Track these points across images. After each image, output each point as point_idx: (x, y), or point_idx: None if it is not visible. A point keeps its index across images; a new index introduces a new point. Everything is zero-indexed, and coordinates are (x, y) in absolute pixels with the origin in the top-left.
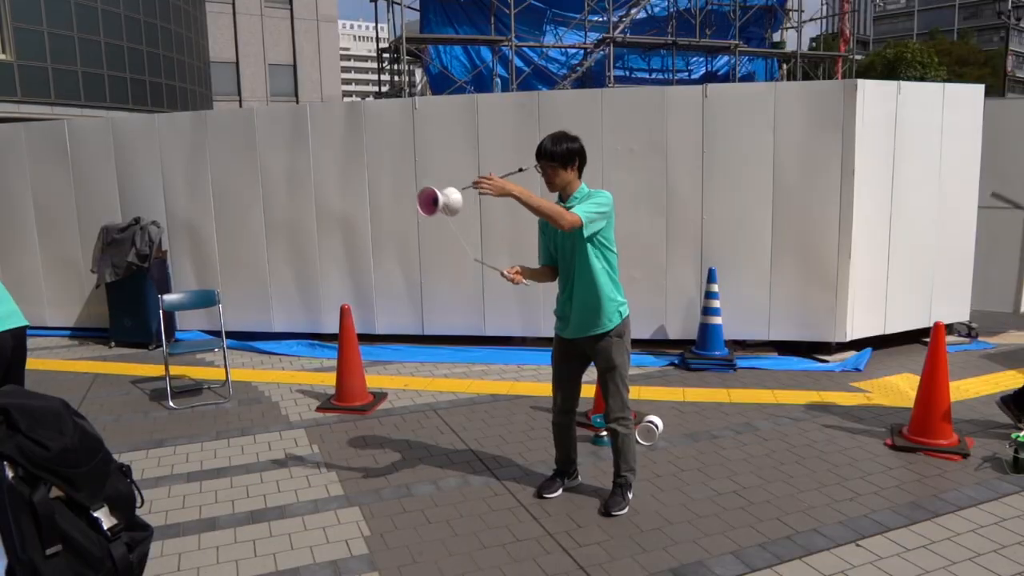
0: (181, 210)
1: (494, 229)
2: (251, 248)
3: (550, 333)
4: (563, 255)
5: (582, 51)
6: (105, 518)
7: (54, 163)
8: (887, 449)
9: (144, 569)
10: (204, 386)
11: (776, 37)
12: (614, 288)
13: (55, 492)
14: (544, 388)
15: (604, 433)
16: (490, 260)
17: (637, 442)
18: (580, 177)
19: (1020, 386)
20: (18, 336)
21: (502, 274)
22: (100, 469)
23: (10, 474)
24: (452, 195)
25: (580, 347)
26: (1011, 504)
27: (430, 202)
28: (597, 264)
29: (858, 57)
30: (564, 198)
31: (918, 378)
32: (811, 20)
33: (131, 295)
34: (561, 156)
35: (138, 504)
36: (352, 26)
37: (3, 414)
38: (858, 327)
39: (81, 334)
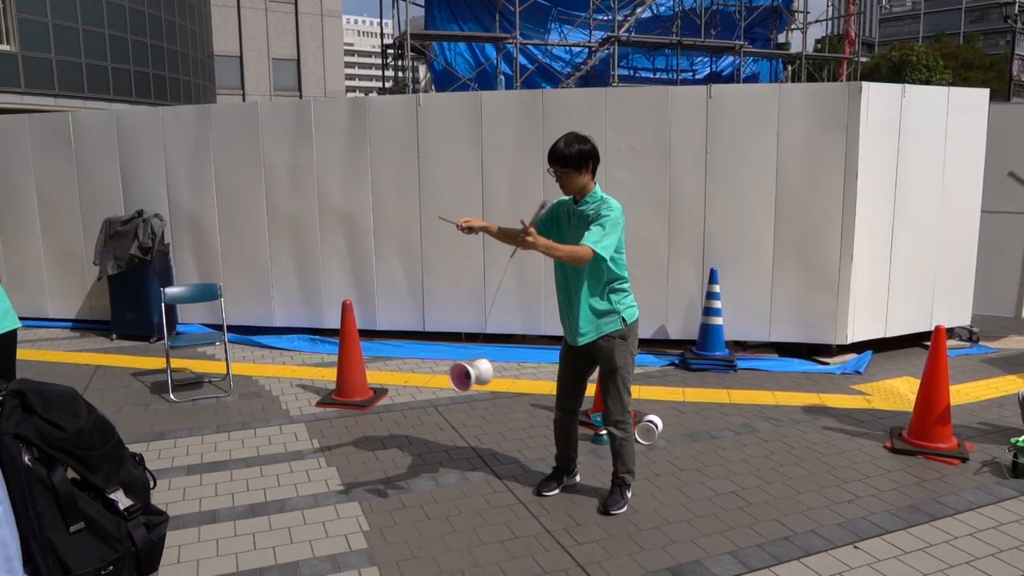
0: (184, 203)
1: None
2: (253, 242)
3: (551, 331)
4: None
5: (586, 49)
6: (121, 500)
7: (58, 155)
8: (886, 452)
9: (163, 551)
10: (205, 379)
11: (781, 38)
12: (618, 295)
13: (70, 474)
14: (544, 386)
15: (604, 432)
16: (491, 259)
17: (636, 441)
18: (594, 178)
19: None
20: (5, 339)
21: (457, 226)
22: (114, 452)
23: (27, 457)
24: (482, 365)
25: (585, 347)
26: (1009, 508)
27: (463, 376)
28: (600, 272)
29: (863, 59)
30: (578, 200)
31: (918, 382)
32: (816, 22)
33: (133, 288)
34: (575, 159)
35: (152, 486)
36: (356, 21)
37: (19, 397)
38: (859, 330)
39: (83, 326)
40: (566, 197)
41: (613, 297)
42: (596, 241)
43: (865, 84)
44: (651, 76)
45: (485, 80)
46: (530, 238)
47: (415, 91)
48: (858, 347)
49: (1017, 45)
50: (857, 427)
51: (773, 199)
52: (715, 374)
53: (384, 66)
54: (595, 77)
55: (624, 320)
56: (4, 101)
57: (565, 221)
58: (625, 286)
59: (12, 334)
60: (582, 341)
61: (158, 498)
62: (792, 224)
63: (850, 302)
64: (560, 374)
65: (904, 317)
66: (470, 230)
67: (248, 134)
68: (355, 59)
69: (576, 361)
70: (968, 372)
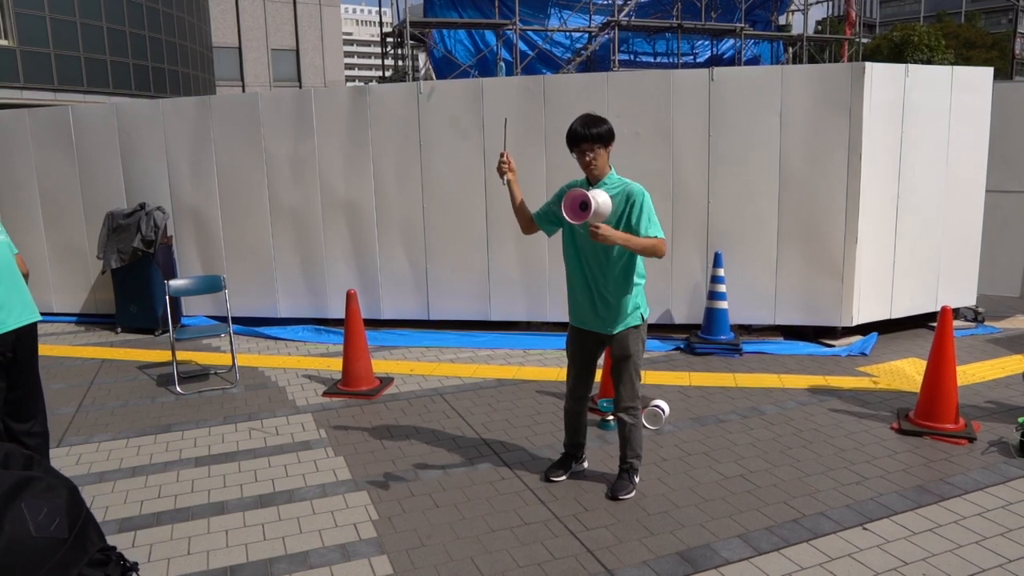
0: (186, 196)
1: (499, 217)
2: (256, 233)
3: (555, 318)
4: (591, 254)
5: (587, 35)
6: None
7: (59, 149)
8: (893, 433)
9: None
10: (211, 371)
11: (782, 20)
12: (638, 291)
13: None
14: (549, 373)
15: (611, 417)
16: (495, 246)
17: (644, 426)
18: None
19: None
20: (25, 330)
21: (501, 156)
22: (57, 570)
23: None
24: (600, 196)
25: (599, 335)
26: (1017, 488)
27: (577, 208)
28: (633, 265)
29: (864, 40)
30: (594, 181)
31: (924, 363)
32: (817, 3)
33: (137, 281)
34: (606, 136)
35: None
36: (355, 10)
37: None
38: (864, 312)
39: (87, 320)
40: (578, 180)
41: (636, 296)
42: (659, 231)
43: (868, 64)
44: (652, 60)
45: (485, 67)
46: (602, 232)
47: (415, 79)
48: (863, 329)
49: (1019, 23)
50: (864, 409)
51: (776, 182)
52: (721, 358)
53: (384, 55)
54: (596, 62)
55: (641, 315)
56: (3, 96)
57: None
58: (642, 283)
59: (33, 326)
60: (616, 330)
61: (166, 491)
62: (796, 206)
63: (855, 284)
64: (570, 363)
65: (909, 298)
66: (511, 170)
67: (249, 125)
68: (354, 48)
69: (586, 348)
70: (974, 352)
